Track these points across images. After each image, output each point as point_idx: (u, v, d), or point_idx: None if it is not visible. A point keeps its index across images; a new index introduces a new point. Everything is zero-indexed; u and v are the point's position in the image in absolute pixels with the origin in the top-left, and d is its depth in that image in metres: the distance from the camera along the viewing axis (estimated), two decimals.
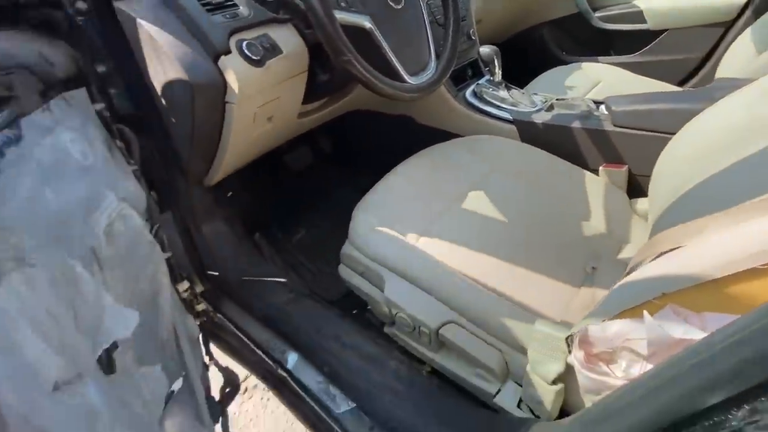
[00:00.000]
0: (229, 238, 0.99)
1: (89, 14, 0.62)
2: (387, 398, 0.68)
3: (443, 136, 1.16)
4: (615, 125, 0.91)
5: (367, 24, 0.69)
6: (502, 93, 1.07)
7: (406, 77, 0.75)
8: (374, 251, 0.73)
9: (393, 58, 0.73)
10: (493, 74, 1.06)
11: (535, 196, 0.83)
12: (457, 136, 1.09)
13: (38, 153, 0.40)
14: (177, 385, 0.54)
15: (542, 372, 0.53)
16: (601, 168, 0.93)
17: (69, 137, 0.46)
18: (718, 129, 0.68)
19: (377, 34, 0.70)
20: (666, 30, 1.51)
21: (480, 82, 1.14)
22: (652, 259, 0.46)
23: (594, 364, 0.40)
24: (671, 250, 0.44)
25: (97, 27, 0.64)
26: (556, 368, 0.51)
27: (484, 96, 1.09)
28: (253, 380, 1.20)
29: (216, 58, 0.66)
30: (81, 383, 0.34)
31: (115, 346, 0.42)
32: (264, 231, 1.21)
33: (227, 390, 0.75)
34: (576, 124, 0.96)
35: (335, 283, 1.10)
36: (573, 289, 0.68)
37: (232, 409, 1.15)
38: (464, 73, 1.20)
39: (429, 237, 0.73)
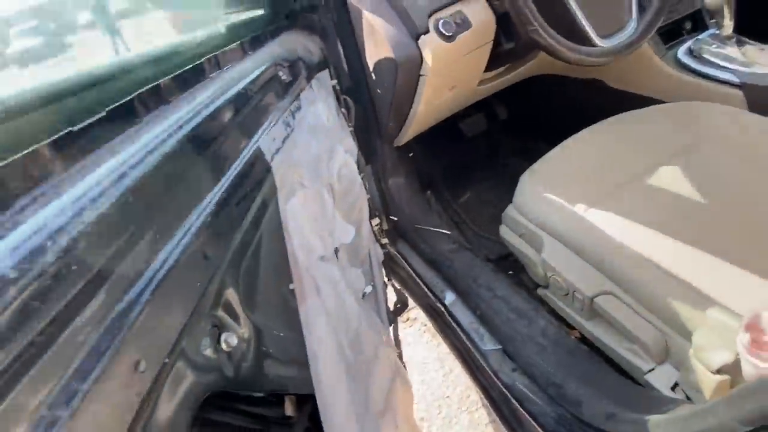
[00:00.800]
0: (407, 192, 1.18)
1: (330, 11, 0.83)
2: (532, 348, 0.74)
3: (641, 102, 1.03)
4: None
5: None
6: (731, 50, 0.88)
7: (595, 40, 0.72)
8: (537, 215, 0.77)
9: (583, 20, 0.71)
10: (720, 27, 0.87)
11: (753, 177, 0.70)
12: (659, 102, 0.96)
13: (309, 117, 0.61)
14: (368, 289, 0.74)
15: (707, 359, 0.50)
16: None
17: (321, 107, 0.68)
18: None
19: None
20: None
21: (700, 37, 0.95)
22: None
23: (763, 351, 0.38)
24: None
25: (335, 21, 0.85)
26: (724, 357, 0.48)
27: (704, 54, 0.92)
28: (414, 313, 1.43)
29: (417, 38, 0.79)
30: (328, 262, 0.54)
31: (338, 249, 0.63)
32: (435, 189, 1.36)
33: (398, 306, 0.95)
34: None
35: (493, 245, 1.18)
36: None
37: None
38: (680, 27, 1.02)
39: (600, 209, 0.71)
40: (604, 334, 0.70)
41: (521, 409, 0.66)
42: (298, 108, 0.59)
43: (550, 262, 0.73)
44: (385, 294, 0.86)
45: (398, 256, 1.07)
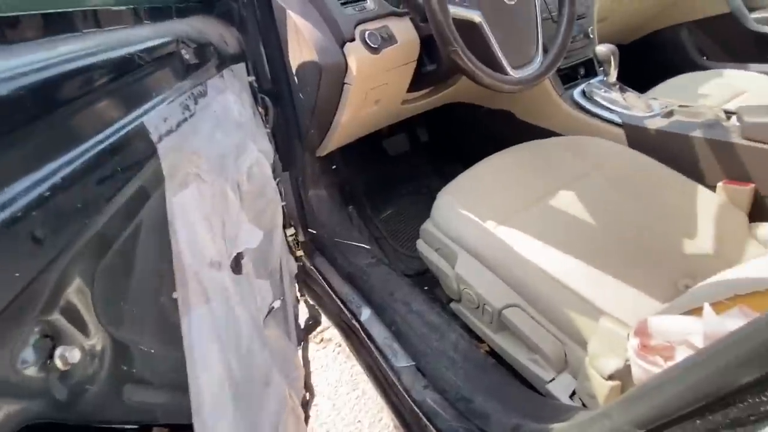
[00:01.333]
0: (328, 205, 1.14)
1: (253, 6, 0.79)
2: (443, 363, 0.74)
3: (543, 134, 1.15)
4: (745, 138, 0.81)
5: (477, 18, 0.74)
6: (615, 95, 1.02)
7: (509, 70, 0.78)
8: (452, 230, 0.79)
9: (498, 51, 0.77)
10: (607, 74, 1.02)
11: (635, 203, 0.80)
12: (557, 135, 1.07)
13: (215, 105, 0.55)
14: (276, 303, 0.68)
15: (600, 366, 0.54)
16: (719, 184, 0.84)
17: (232, 98, 0.62)
18: None
19: (486, 27, 0.75)
20: None
21: (592, 81, 1.09)
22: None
23: (649, 355, 0.41)
24: None
25: (257, 16, 0.80)
26: (614, 364, 0.52)
27: (594, 96, 1.05)
28: (328, 333, 1.36)
29: (342, 45, 0.77)
30: (221, 270, 0.47)
31: (242, 255, 0.56)
32: (356, 204, 1.34)
33: (310, 323, 0.89)
34: (697, 133, 0.88)
35: (411, 261, 1.19)
36: (657, 303, 0.65)
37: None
38: (576, 72, 1.17)
39: (509, 226, 0.76)
40: (511, 346, 0.72)
41: (431, 426, 0.64)
42: (203, 93, 0.52)
43: (463, 276, 0.75)
44: (296, 310, 0.80)
45: (314, 271, 1.02)
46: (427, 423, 0.66)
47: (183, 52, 0.50)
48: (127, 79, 0.37)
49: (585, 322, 0.61)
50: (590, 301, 0.64)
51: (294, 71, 0.87)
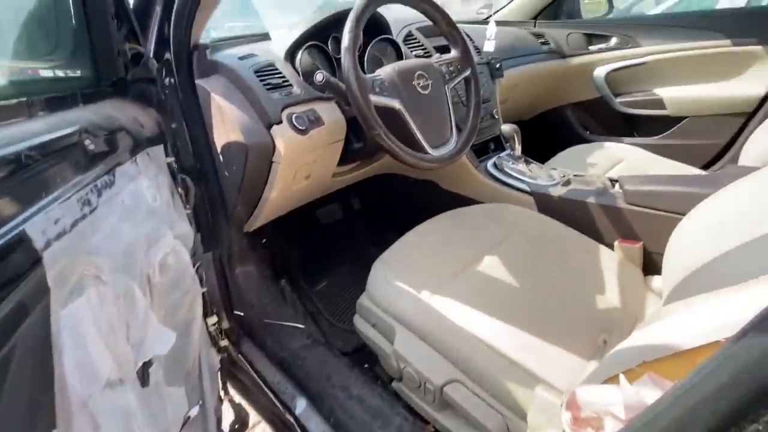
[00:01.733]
0: (257, 281, 1.07)
1: (176, 88, 0.78)
2: None
3: (465, 201, 1.24)
4: (628, 203, 0.95)
5: (397, 105, 0.81)
6: (521, 166, 1.15)
7: (428, 149, 0.85)
8: (388, 304, 0.78)
9: (417, 133, 0.83)
10: (513, 149, 1.16)
11: (549, 264, 0.87)
12: (477, 202, 1.16)
13: (124, 195, 0.50)
14: (194, 411, 0.59)
15: None
16: (616, 243, 0.95)
17: (146, 184, 0.57)
18: (725, 213, 0.71)
19: (405, 113, 0.82)
20: (686, 117, 1.58)
21: (501, 155, 1.23)
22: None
23: (582, 428, 0.42)
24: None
25: (179, 98, 0.79)
26: None
27: (504, 168, 1.18)
28: (259, 429, 1.20)
29: (269, 127, 0.79)
30: (122, 387, 0.40)
31: (150, 363, 0.48)
32: (289, 277, 1.28)
33: (236, 426, 0.78)
34: (591, 200, 1.01)
35: (350, 336, 1.14)
36: (583, 361, 0.69)
37: None
38: (487, 147, 1.31)
39: (442, 295, 0.77)
40: (455, 425, 0.69)
41: None
42: (109, 184, 0.48)
43: (402, 353, 0.72)
44: (219, 413, 0.70)
45: (242, 359, 0.92)
46: None
47: (87, 142, 0.46)
48: (11, 182, 0.33)
49: (522, 393, 0.61)
50: (524, 366, 0.66)
51: (219, 150, 0.85)
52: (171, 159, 0.73)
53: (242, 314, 1.00)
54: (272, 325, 0.99)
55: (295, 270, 1.32)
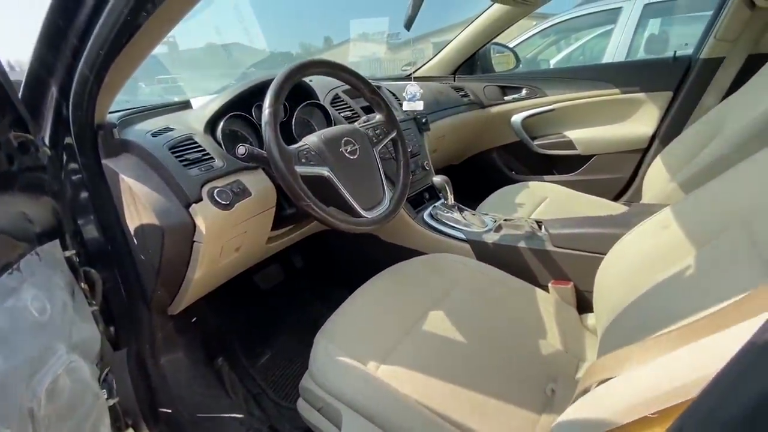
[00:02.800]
0: (187, 369, 0.96)
1: (79, 173, 0.70)
2: None
3: (406, 252, 1.24)
4: (555, 246, 1.00)
5: (326, 173, 0.81)
6: (456, 215, 1.19)
7: (361, 212, 0.84)
8: (332, 384, 0.72)
9: (349, 198, 0.83)
10: (446, 199, 1.19)
11: (492, 314, 0.87)
12: (419, 252, 1.17)
13: None
14: None
15: None
16: (550, 285, 0.99)
17: (31, 294, 0.49)
18: (636, 253, 0.77)
19: (335, 180, 0.81)
20: (594, 155, 1.77)
21: (436, 204, 1.26)
22: (583, 392, 0.48)
23: None
24: (601, 382, 0.47)
25: (83, 181, 0.72)
26: None
27: (440, 218, 1.21)
28: None
29: (188, 206, 0.73)
30: None
31: None
32: (227, 356, 1.17)
33: None
34: (522, 244, 1.06)
35: (297, 418, 1.04)
36: (535, 416, 0.68)
37: None
38: (422, 197, 1.34)
39: (388, 365, 0.73)
40: None
41: None
42: None
43: None
44: None
45: None
46: None
47: None
48: None
49: None
50: None
51: (133, 233, 0.77)
52: (71, 252, 0.65)
53: (170, 411, 0.87)
54: (207, 419, 0.88)
55: (233, 346, 1.21)
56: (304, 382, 0.78)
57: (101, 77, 0.63)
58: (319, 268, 1.56)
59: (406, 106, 1.34)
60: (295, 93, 1.05)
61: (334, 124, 1.10)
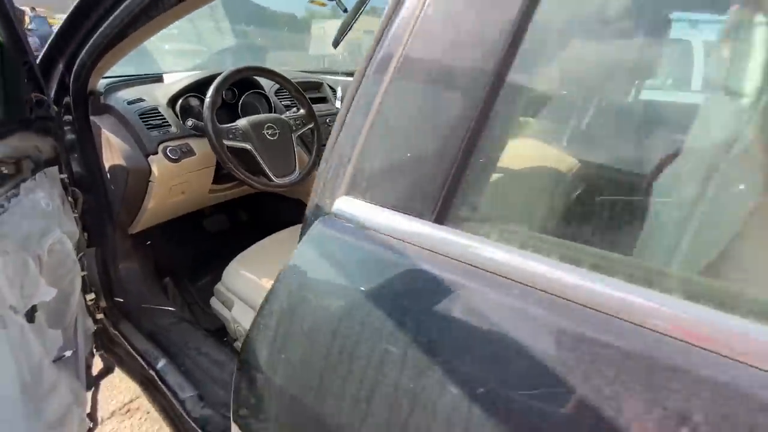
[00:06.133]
0: (138, 276, 1.32)
1: (72, 123, 1.04)
2: (220, 387, 0.99)
3: None
4: None
5: (248, 147, 1.16)
6: None
7: (273, 178, 1.21)
8: (232, 285, 1.10)
9: (265, 167, 1.19)
10: None
11: None
12: None
13: (25, 202, 0.77)
14: (68, 353, 0.85)
15: None
16: None
17: (41, 194, 0.84)
18: None
19: (255, 153, 1.17)
20: None
21: None
22: None
23: None
24: None
25: (75, 130, 1.05)
26: None
27: None
28: (136, 403, 1.42)
29: (147, 156, 1.08)
30: (17, 313, 0.68)
31: (36, 308, 0.75)
32: (173, 276, 1.53)
33: (102, 371, 1.03)
34: None
35: (216, 319, 1.43)
36: None
37: (112, 425, 1.35)
38: None
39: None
40: None
41: None
42: (15, 195, 0.75)
43: (237, 318, 1.05)
44: (90, 361, 0.95)
45: (118, 336, 1.16)
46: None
47: (2, 168, 0.73)
48: None
49: None
50: None
51: (107, 170, 1.12)
52: (64, 176, 1.00)
53: (122, 300, 1.24)
54: (149, 308, 1.25)
55: (180, 270, 1.57)
56: (217, 286, 1.16)
57: (96, 62, 0.96)
58: (260, 223, 1.92)
59: (338, 103, 1.69)
60: (246, 82, 1.39)
61: (275, 111, 1.45)
